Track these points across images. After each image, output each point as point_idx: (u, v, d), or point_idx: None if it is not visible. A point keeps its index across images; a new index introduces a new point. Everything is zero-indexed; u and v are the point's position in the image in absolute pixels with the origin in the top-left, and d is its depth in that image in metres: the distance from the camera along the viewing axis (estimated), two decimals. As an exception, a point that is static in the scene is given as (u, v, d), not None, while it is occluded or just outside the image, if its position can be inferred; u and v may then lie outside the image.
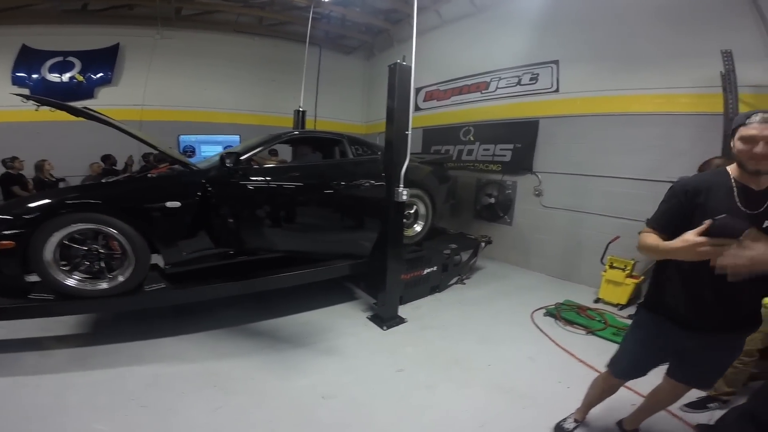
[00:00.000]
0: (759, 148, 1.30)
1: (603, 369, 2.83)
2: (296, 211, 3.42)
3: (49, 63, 6.89)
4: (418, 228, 4.34)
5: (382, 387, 2.67)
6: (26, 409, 2.27)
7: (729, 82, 3.55)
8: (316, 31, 7.27)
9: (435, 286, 4.40)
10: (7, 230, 2.48)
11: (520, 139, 5.54)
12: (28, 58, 6.79)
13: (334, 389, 2.61)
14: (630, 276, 4.04)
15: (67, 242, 2.62)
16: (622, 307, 4.08)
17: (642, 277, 4.00)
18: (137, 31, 7.37)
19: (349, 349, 3.17)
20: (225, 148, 4.00)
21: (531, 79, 5.46)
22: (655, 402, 2.01)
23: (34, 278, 2.73)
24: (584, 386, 2.60)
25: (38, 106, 2.69)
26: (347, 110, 9.44)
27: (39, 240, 2.52)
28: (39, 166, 5.93)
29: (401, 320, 3.68)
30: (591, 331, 3.50)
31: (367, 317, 3.76)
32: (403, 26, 7.88)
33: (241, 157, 3.08)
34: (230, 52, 8.14)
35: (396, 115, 3.23)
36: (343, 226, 3.65)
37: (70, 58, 6.99)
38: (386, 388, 2.66)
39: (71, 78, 6.97)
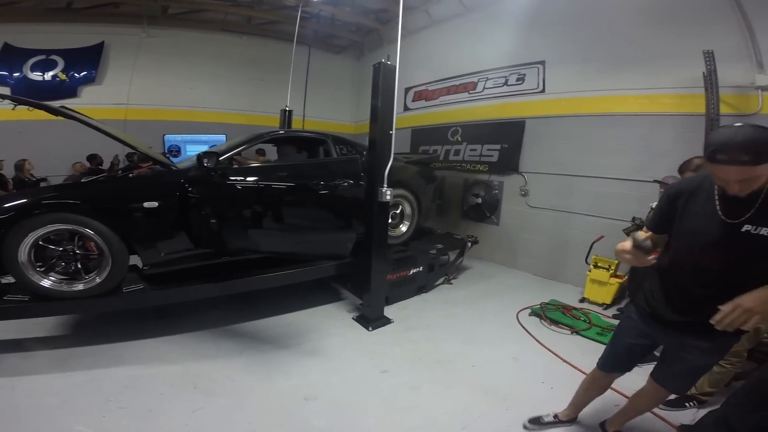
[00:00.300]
0: (731, 189, 1.27)
1: (587, 369, 2.87)
2: (275, 211, 3.39)
3: (31, 61, 6.78)
4: (404, 228, 4.35)
5: (365, 388, 2.66)
6: (1, 412, 2.24)
7: (711, 82, 3.61)
8: (305, 31, 7.25)
9: (422, 286, 4.40)
10: None
11: (507, 139, 5.58)
12: (9, 57, 6.69)
13: (317, 390, 2.60)
14: (614, 276, 4.09)
15: (42, 243, 2.57)
16: (607, 306, 4.12)
17: (626, 277, 4.05)
18: (122, 30, 7.28)
19: (334, 350, 3.16)
20: (210, 147, 3.93)
21: (518, 80, 5.50)
22: (637, 404, 2.01)
23: (9, 280, 2.69)
24: (568, 387, 2.59)
25: (15, 105, 2.64)
26: (336, 110, 9.42)
27: (13, 240, 2.48)
28: (19, 166, 5.82)
29: (387, 321, 3.67)
30: (576, 331, 3.52)
31: (353, 318, 3.75)
32: (393, 26, 7.84)
33: (221, 157, 3.05)
34: (217, 51, 8.08)
35: (380, 114, 3.23)
36: (320, 226, 3.63)
37: (53, 57, 6.89)
38: (370, 389, 2.65)
39: (54, 76, 6.87)
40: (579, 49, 4.78)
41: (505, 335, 3.50)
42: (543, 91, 5.20)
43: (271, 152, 6.30)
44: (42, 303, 2.71)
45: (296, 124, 6.07)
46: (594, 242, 4.32)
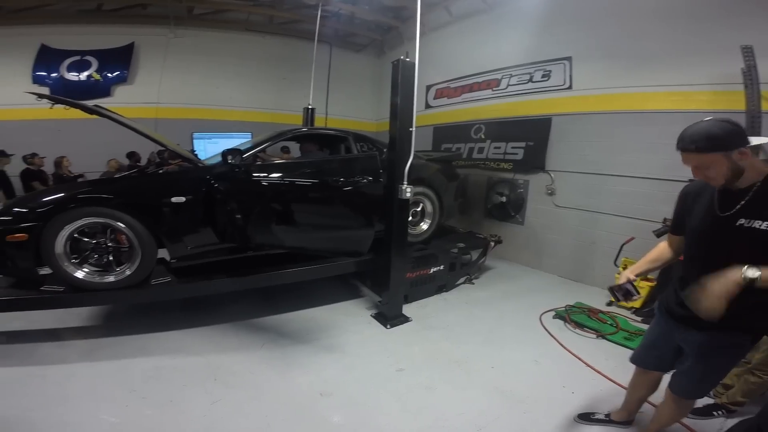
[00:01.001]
0: (697, 175, 1.45)
1: (611, 374, 2.82)
2: (295, 206, 3.46)
3: (67, 62, 7.16)
4: (424, 226, 4.36)
5: (381, 386, 2.69)
6: (31, 399, 2.38)
7: (750, 78, 3.46)
8: (326, 29, 7.36)
9: (442, 285, 4.41)
10: (21, 223, 2.61)
11: (533, 136, 5.50)
12: (47, 58, 7.07)
13: (333, 386, 2.65)
14: (645, 279, 3.97)
15: (77, 236, 2.73)
16: (636, 310, 4.01)
17: (656, 281, 3.93)
18: (151, 30, 7.59)
19: (351, 347, 3.21)
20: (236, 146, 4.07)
21: (543, 76, 5.42)
22: (659, 416, 1.99)
23: (46, 270, 2.86)
24: (589, 391, 2.64)
25: (52, 104, 2.79)
26: (358, 107, 9.52)
27: (51, 233, 2.64)
28: (58, 163, 6.20)
29: (405, 319, 3.70)
30: (601, 335, 3.46)
31: (371, 315, 3.80)
32: (413, 23, 7.74)
33: (244, 155, 3.17)
34: (241, 50, 8.30)
35: (400, 112, 3.26)
36: (338, 223, 3.66)
37: (87, 57, 7.25)
38: (385, 387, 2.68)
39: (88, 76, 7.24)
40: (607, 45, 4.68)
41: (526, 337, 3.47)
42: (570, 87, 5.11)
43: (296, 150, 6.45)
44: (75, 294, 2.87)
45: (319, 122, 6.19)
46: (624, 244, 4.23)
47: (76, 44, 7.20)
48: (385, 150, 3.95)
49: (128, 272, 2.89)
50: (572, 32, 5.05)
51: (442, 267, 4.30)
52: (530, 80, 5.59)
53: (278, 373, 2.79)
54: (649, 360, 1.94)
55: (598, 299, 4.30)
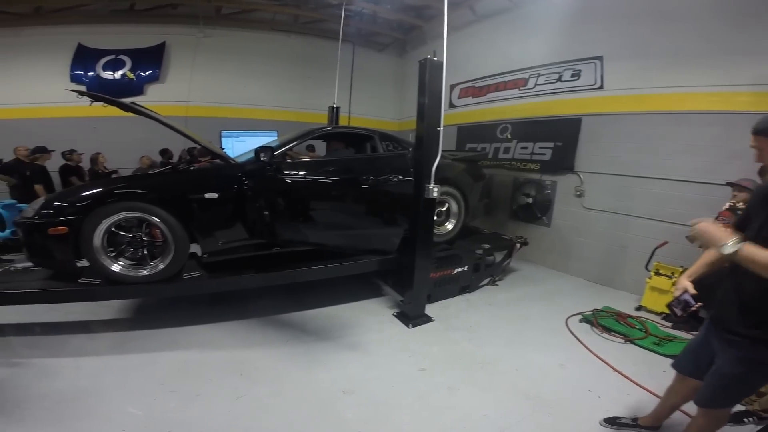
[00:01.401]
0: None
1: (639, 379, 2.79)
2: (325, 204, 3.55)
3: (102, 61, 7.52)
4: (449, 226, 4.38)
5: (402, 385, 2.71)
6: (63, 391, 2.48)
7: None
8: (349, 29, 7.44)
9: (465, 286, 4.41)
10: (61, 216, 2.73)
11: (561, 137, 5.43)
12: (83, 57, 7.45)
13: (354, 384, 2.69)
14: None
15: (114, 229, 2.85)
16: (666, 316, 3.92)
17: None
18: (181, 30, 7.88)
19: (373, 346, 3.24)
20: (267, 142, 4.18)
21: (573, 76, 5.33)
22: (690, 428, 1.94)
23: (83, 263, 2.98)
24: (616, 396, 2.61)
25: (92, 101, 2.93)
26: (380, 107, 9.60)
27: (90, 226, 2.77)
28: (94, 159, 6.52)
29: (428, 319, 3.73)
30: (630, 340, 3.41)
31: (393, 314, 3.83)
32: (436, 23, 7.87)
33: (275, 152, 3.25)
34: (267, 49, 8.51)
35: (427, 111, 3.28)
36: (368, 221, 3.73)
37: (122, 56, 7.59)
38: (406, 386, 2.70)
39: (123, 75, 7.58)
40: (641, 44, 4.56)
41: (551, 341, 3.44)
42: (601, 87, 5.01)
43: (320, 148, 6.56)
44: (111, 287, 2.99)
45: (342, 121, 6.26)
46: (657, 248, 4.13)
47: (111, 43, 7.54)
48: (410, 149, 3.98)
49: (161, 266, 3.00)
50: (603, 31, 4.96)
51: (466, 268, 4.30)
52: (559, 80, 5.51)
53: (301, 370, 2.85)
54: (685, 364, 1.92)
55: (626, 304, 4.23)
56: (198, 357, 2.96)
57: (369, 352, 3.14)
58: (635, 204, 4.66)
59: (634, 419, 2.26)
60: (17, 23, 7.13)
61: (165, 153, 7.30)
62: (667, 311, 3.86)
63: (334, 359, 3.01)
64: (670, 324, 3.78)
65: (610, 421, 2.30)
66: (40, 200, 2.94)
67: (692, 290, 1.71)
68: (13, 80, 7.11)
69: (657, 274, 4.03)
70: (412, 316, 3.69)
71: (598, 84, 5.03)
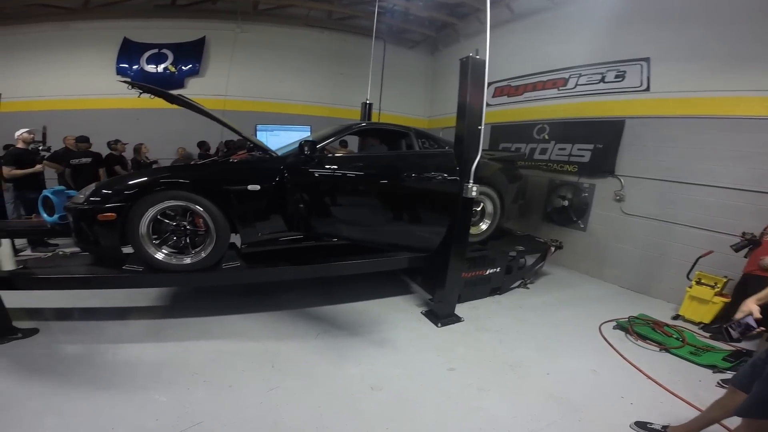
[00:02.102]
0: None
1: (673, 388, 2.79)
2: (369, 200, 3.57)
3: (146, 54, 7.92)
4: (483, 226, 4.38)
5: (431, 384, 2.74)
6: (99, 378, 2.57)
7: None
8: (380, 26, 7.53)
9: (496, 288, 4.43)
10: (110, 203, 2.86)
11: (602, 139, 5.35)
12: (129, 50, 7.87)
13: (383, 381, 2.73)
14: (719, 294, 3.82)
15: (159, 217, 2.96)
16: (705, 326, 3.87)
17: (731, 297, 3.74)
18: (220, 25, 8.21)
19: (402, 343, 3.30)
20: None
21: (617, 77, 5.24)
22: None
23: (127, 251, 3.10)
24: (649, 404, 2.61)
25: (140, 93, 3.04)
26: (410, 104, 9.69)
27: (137, 213, 2.88)
28: (137, 149, 6.91)
29: (457, 319, 3.76)
30: (665, 348, 3.38)
31: (422, 312, 3.89)
32: (470, 21, 7.93)
33: (318, 145, 3.30)
34: (302, 45, 8.75)
35: (468, 110, 3.29)
36: (412, 219, 3.73)
37: (164, 50, 7.97)
38: (436, 385, 2.73)
39: (165, 69, 7.96)
40: (691, 46, 4.45)
41: (584, 346, 3.43)
42: (647, 89, 4.91)
43: (352, 144, 6.70)
44: (154, 274, 3.11)
45: (373, 118, 6.38)
46: (700, 257, 4.05)
47: (154, 38, 7.93)
48: (447, 147, 4.03)
49: (203, 254, 3.09)
50: (651, 32, 4.86)
51: (498, 269, 4.32)
52: (602, 80, 5.43)
53: (332, 364, 2.91)
54: (741, 378, 1.89)
55: (663, 312, 4.17)
56: (231, 347, 3.05)
57: (397, 349, 3.19)
58: (678, 211, 4.56)
59: (665, 427, 2.26)
60: (66, 17, 7.58)
61: (202, 145, 7.64)
62: (706, 321, 3.85)
63: (363, 354, 3.07)
64: (708, 334, 3.73)
65: (641, 425, 2.31)
66: (90, 187, 3.07)
67: (758, 314, 1.68)
68: (63, 72, 7.59)
69: (699, 283, 3.96)
70: (441, 315, 3.73)
71: (644, 86, 4.93)
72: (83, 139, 6.14)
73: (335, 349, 3.13)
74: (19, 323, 3.01)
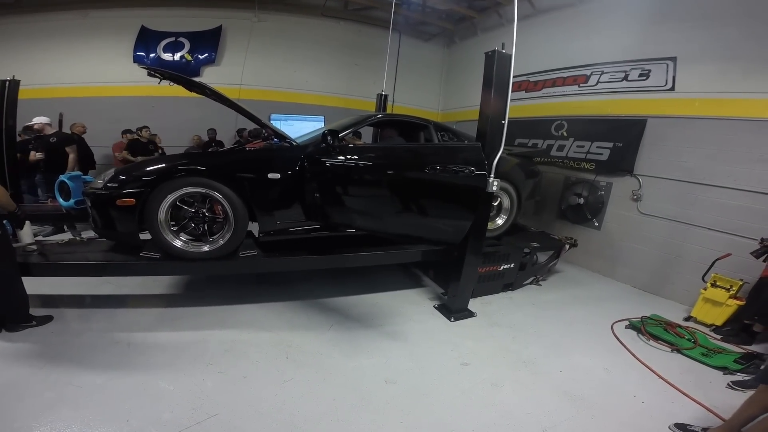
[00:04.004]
0: None
1: (684, 387, 2.82)
2: (394, 192, 3.47)
3: (163, 43, 7.96)
4: (500, 222, 4.37)
5: (444, 378, 2.77)
6: (114, 366, 2.59)
7: None
8: (396, 17, 7.51)
9: (509, 283, 4.44)
10: (129, 189, 2.85)
11: (622, 137, 5.28)
12: (146, 39, 7.90)
13: (397, 374, 2.75)
14: (734, 297, 3.80)
15: (179, 204, 2.95)
16: (717, 328, 3.87)
17: (746, 300, 3.73)
18: (236, 14, 8.22)
19: (415, 336, 3.32)
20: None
21: (641, 75, 5.16)
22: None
23: (144, 237, 3.09)
24: (661, 403, 2.64)
25: (160, 80, 3.01)
26: (424, 96, 9.64)
27: (156, 200, 2.86)
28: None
29: (470, 314, 3.79)
30: (677, 349, 3.39)
31: (434, 306, 3.92)
32: (489, 14, 7.85)
33: (340, 134, 3.28)
34: (317, 36, 8.74)
35: (492, 103, 3.29)
36: (439, 212, 3.59)
37: (181, 39, 8.00)
38: (449, 380, 2.76)
39: (181, 57, 8.00)
40: (721, 46, 4.36)
41: (596, 345, 3.45)
42: (672, 89, 4.83)
43: (366, 135, 6.72)
44: (171, 262, 3.09)
45: (387, 110, 6.39)
46: (717, 259, 4.01)
47: (171, 26, 7.96)
48: (466, 141, 4.02)
49: (221, 242, 3.09)
50: (678, 31, 4.78)
51: (512, 265, 4.32)
52: (624, 78, 5.35)
53: (345, 356, 2.94)
54: (765, 371, 1.94)
55: (675, 313, 4.17)
56: (245, 337, 3.07)
57: (411, 343, 3.22)
58: (697, 212, 4.51)
59: (705, 429, 2.28)
60: (86, 5, 7.63)
61: (211, 132, 7.73)
62: (718, 324, 3.87)
63: (376, 347, 3.10)
64: (719, 336, 3.74)
65: (681, 427, 2.33)
66: (110, 172, 3.07)
67: None
68: (81, 60, 7.66)
69: (713, 285, 3.94)
70: (454, 309, 3.75)
71: (669, 85, 4.86)
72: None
73: (348, 341, 3.17)
74: (33, 311, 3.02)
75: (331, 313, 3.63)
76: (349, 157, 3.31)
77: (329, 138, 3.10)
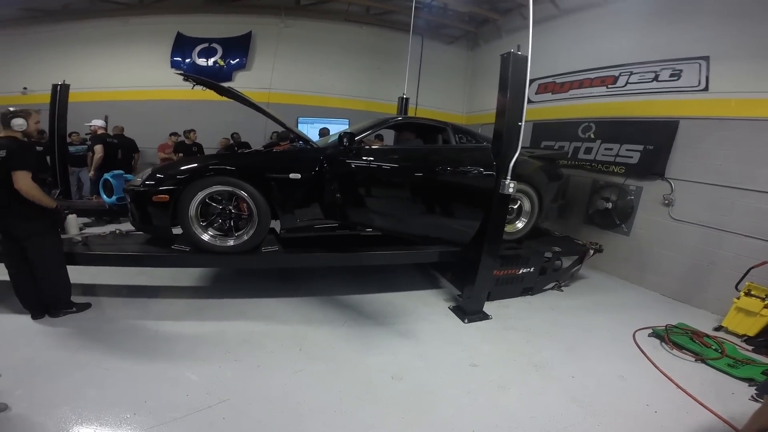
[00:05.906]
0: None
1: (704, 399, 2.73)
2: (403, 192, 3.69)
3: (198, 48, 8.42)
4: (520, 225, 4.36)
5: (452, 378, 2.80)
6: (141, 352, 2.80)
7: None
8: (418, 21, 7.55)
9: (528, 288, 4.41)
10: (164, 186, 3.17)
11: (653, 140, 5.13)
12: (182, 45, 8.40)
13: (404, 371, 2.81)
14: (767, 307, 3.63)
15: (208, 201, 3.24)
16: (749, 339, 3.69)
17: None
18: (265, 20, 8.59)
19: (426, 336, 3.39)
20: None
21: (672, 76, 5.00)
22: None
23: (176, 232, 3.39)
24: (674, 414, 2.57)
25: (194, 85, 3.29)
26: (448, 99, 9.67)
27: (187, 197, 3.16)
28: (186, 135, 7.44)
29: (485, 316, 3.81)
30: (701, 359, 3.27)
31: (449, 307, 3.97)
32: (513, 16, 7.80)
33: (357, 136, 3.47)
34: (341, 40, 8.98)
35: (509, 105, 3.31)
36: (445, 211, 3.81)
37: (214, 45, 8.44)
38: (456, 380, 2.78)
39: (215, 62, 8.44)
40: (758, 45, 4.18)
41: (614, 352, 3.36)
42: (706, 89, 4.66)
43: (388, 137, 6.84)
44: (199, 254, 3.39)
45: (410, 113, 6.48)
46: (753, 267, 3.84)
47: (205, 32, 8.43)
48: (485, 143, 4.05)
49: (245, 237, 3.36)
50: (710, 29, 4.62)
51: (531, 269, 4.29)
52: (655, 79, 5.20)
53: (356, 351, 3.05)
54: None
55: (705, 323, 4.00)
56: (263, 329, 3.25)
57: (421, 342, 3.28)
58: (733, 218, 4.32)
59: None
60: (126, 12, 8.26)
61: (234, 136, 8.07)
62: (750, 334, 3.71)
63: (387, 344, 3.19)
64: (751, 347, 3.57)
65: None
66: (147, 171, 3.43)
67: None
68: (123, 65, 8.27)
69: (747, 294, 3.77)
70: (468, 311, 3.78)
71: (703, 86, 4.69)
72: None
73: (360, 338, 3.28)
74: (74, 298, 3.32)
75: (347, 310, 3.76)
76: (364, 158, 3.52)
77: (345, 140, 3.29)
